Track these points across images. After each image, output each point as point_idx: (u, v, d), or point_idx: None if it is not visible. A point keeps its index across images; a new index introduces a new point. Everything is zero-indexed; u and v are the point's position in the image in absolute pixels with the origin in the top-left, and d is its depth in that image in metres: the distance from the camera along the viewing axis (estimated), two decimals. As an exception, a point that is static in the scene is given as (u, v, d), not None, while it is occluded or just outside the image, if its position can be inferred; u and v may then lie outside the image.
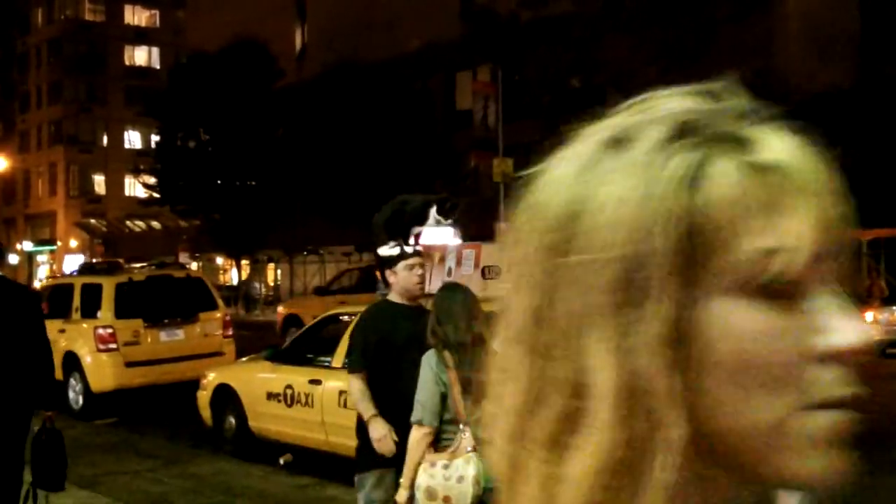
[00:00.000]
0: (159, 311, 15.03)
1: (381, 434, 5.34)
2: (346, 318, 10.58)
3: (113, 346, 14.50)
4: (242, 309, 45.81)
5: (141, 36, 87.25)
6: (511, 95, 36.12)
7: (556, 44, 29.67)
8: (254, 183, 44.73)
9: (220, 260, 57.76)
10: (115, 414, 14.56)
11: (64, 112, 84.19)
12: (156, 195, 48.36)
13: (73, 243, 79.80)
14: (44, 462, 7.17)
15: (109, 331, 14.50)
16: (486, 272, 9.43)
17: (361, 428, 5.51)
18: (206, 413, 11.59)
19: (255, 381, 10.85)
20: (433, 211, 6.21)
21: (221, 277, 57.80)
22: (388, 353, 5.55)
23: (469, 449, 4.65)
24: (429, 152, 38.70)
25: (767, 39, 27.84)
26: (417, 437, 4.75)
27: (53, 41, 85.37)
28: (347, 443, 8.36)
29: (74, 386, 14.90)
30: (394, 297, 5.80)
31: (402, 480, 4.82)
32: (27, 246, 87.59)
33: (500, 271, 9.61)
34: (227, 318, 16.08)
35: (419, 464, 4.70)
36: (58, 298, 16.00)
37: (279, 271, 52.40)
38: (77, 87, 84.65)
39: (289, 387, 9.99)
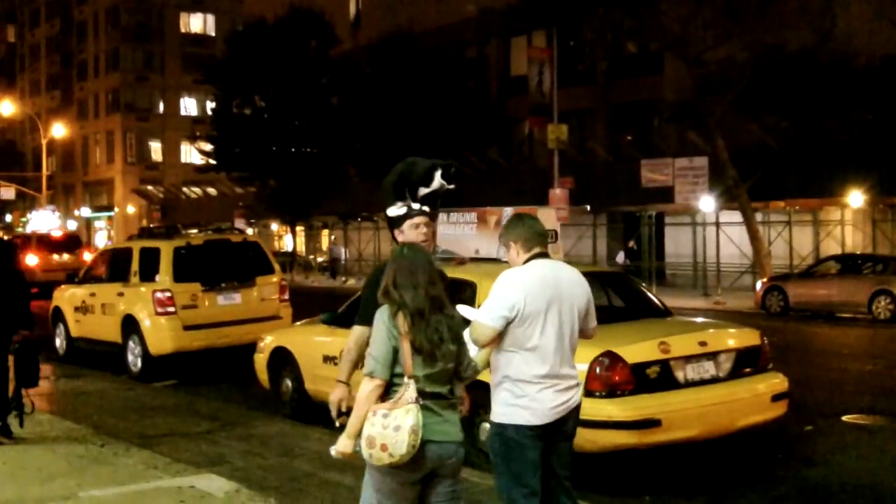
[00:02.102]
0: (217, 275, 15.13)
1: (337, 397, 5.64)
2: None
3: (171, 309, 14.63)
4: (301, 274, 45.94)
5: (197, 3, 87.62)
6: (566, 61, 35.82)
7: (613, 8, 29.31)
8: (309, 150, 44.90)
9: (275, 226, 58.14)
10: (174, 376, 14.74)
11: (121, 80, 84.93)
12: (212, 162, 48.70)
13: (131, 210, 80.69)
14: (22, 366, 9.74)
15: (168, 294, 14.63)
16: (542, 236, 9.40)
17: None
18: (263, 376, 11.68)
19: (312, 344, 10.90)
20: (438, 174, 6.26)
21: (276, 243, 58.21)
22: None
23: (410, 400, 4.76)
24: (482, 118, 38.54)
25: (829, 1, 27.28)
26: (368, 389, 4.85)
27: (111, 9, 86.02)
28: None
29: (133, 349, 15.06)
30: None
31: (347, 430, 4.91)
32: (85, 212, 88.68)
33: (556, 235, 9.59)
34: (284, 282, 16.15)
35: (367, 415, 4.82)
36: (117, 263, 16.21)
37: (333, 237, 52.59)
38: (134, 55, 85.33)
39: (345, 350, 10.02)
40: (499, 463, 5.44)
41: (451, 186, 6.40)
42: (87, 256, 33.56)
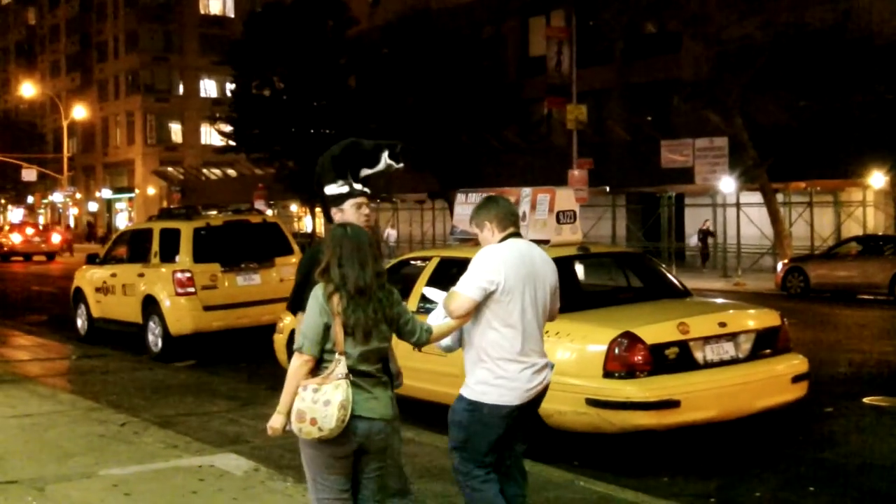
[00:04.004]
0: (236, 256, 15.18)
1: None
2: (418, 262, 10.64)
3: (191, 290, 14.69)
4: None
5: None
6: (585, 41, 35.65)
7: (632, -13, 29.18)
8: (327, 130, 44.87)
9: (294, 207, 58.21)
10: (194, 356, 14.81)
11: (140, 61, 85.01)
12: (231, 143, 48.76)
13: (151, 191, 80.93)
14: None
15: (188, 275, 14.69)
16: (561, 217, 9.39)
17: None
18: (282, 356, 11.71)
19: (330, 324, 10.94)
20: (385, 154, 6.25)
21: (296, 224, 58.29)
22: None
23: (340, 376, 4.83)
24: (500, 99, 38.43)
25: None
26: (297, 364, 4.93)
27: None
28: (415, 385, 8.44)
29: (154, 329, 15.13)
30: None
31: (279, 406, 4.98)
32: (106, 193, 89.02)
33: (575, 216, 9.56)
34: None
35: (297, 390, 4.89)
36: (137, 243, 16.27)
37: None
38: (153, 36, 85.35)
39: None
40: (460, 438, 5.45)
41: (400, 165, 6.39)
42: (56, 237, 54.84)
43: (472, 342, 5.42)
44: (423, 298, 8.86)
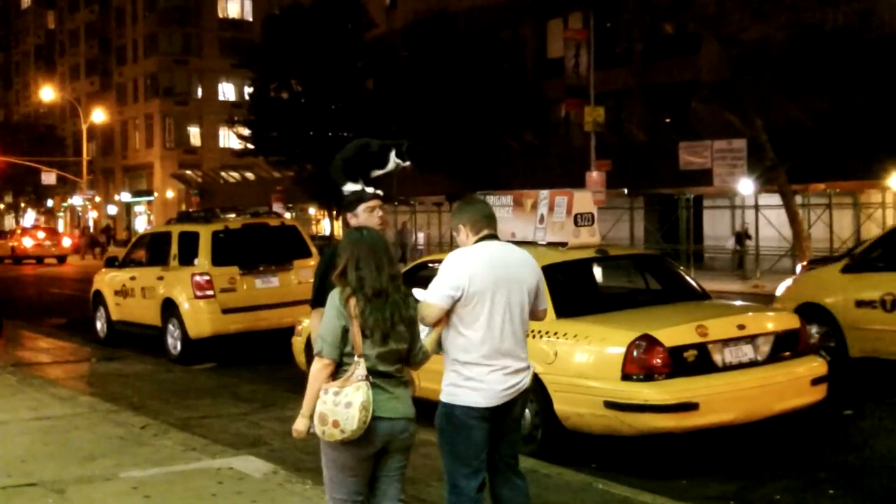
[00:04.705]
0: (255, 259, 15.21)
1: None
2: (436, 265, 10.62)
3: (210, 292, 14.73)
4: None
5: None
6: (603, 43, 35.59)
7: (650, -12, 29.09)
8: (345, 133, 44.92)
9: (312, 210, 58.29)
10: (213, 359, 14.85)
11: (159, 65, 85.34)
12: (250, 146, 48.84)
13: (170, 194, 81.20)
14: None
15: (206, 278, 14.73)
16: (579, 219, 9.38)
17: None
18: (301, 358, 11.73)
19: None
20: (393, 154, 6.26)
21: (314, 227, 58.37)
22: None
23: (360, 378, 4.87)
24: (518, 101, 38.39)
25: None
26: (317, 368, 5.00)
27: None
28: (432, 386, 8.42)
29: (173, 332, 15.17)
30: None
31: (302, 409, 5.05)
32: (125, 197, 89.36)
33: (593, 218, 9.54)
34: (321, 265, 16.19)
35: (318, 393, 4.95)
36: (156, 246, 16.33)
37: (403, 221, 52.43)
38: (172, 39, 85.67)
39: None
40: (443, 442, 5.48)
41: (407, 164, 6.39)
42: (67, 241, 57.44)
43: (444, 346, 5.46)
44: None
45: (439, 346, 5.51)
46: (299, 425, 5.07)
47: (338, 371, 4.98)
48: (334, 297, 5.02)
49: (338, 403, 4.84)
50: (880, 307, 11.15)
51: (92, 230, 63.48)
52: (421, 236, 47.01)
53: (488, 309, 5.33)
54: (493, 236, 5.58)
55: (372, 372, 4.92)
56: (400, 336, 5.03)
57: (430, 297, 5.36)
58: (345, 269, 5.01)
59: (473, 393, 5.32)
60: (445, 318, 5.38)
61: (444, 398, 5.44)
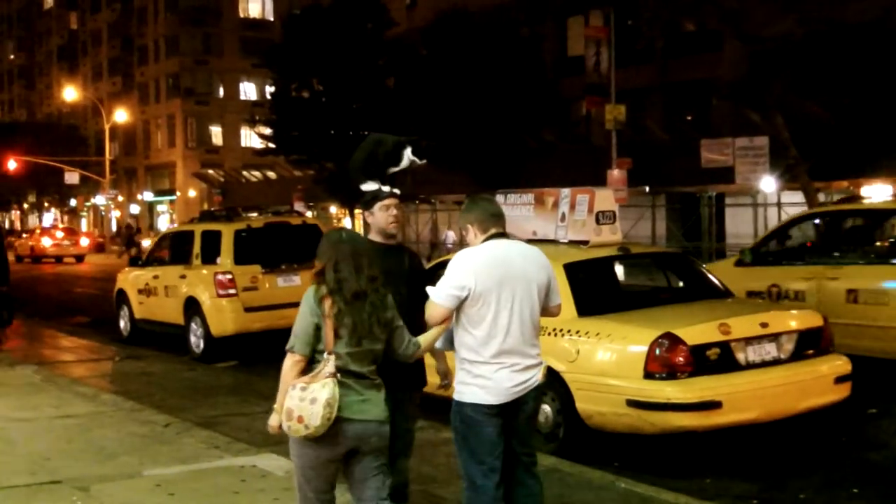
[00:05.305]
0: (277, 258, 15.25)
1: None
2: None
3: (232, 291, 14.78)
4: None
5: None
6: (624, 40, 35.48)
7: (670, -14, 28.95)
8: (366, 132, 44.90)
9: (333, 209, 58.34)
10: (235, 357, 14.89)
11: (180, 64, 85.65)
12: (271, 145, 48.93)
13: (192, 193, 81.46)
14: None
15: (229, 276, 14.78)
16: (600, 217, 9.36)
17: None
18: (321, 357, 11.77)
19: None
20: (408, 151, 6.27)
21: (335, 226, 58.45)
22: None
23: (328, 374, 4.91)
24: (538, 99, 38.32)
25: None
26: (288, 364, 5.08)
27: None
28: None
29: (196, 330, 15.23)
30: (372, 236, 6.08)
31: (276, 405, 5.11)
32: (147, 196, 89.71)
33: (614, 216, 9.52)
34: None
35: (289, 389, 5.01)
36: (179, 245, 16.39)
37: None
38: (193, 39, 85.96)
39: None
40: (458, 440, 5.50)
41: (423, 162, 6.40)
42: (85, 241, 58.24)
43: (455, 344, 5.50)
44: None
45: (450, 344, 5.54)
46: (272, 420, 5.14)
47: (309, 368, 5.02)
48: (309, 294, 5.09)
49: (303, 399, 4.89)
50: (767, 297, 11.97)
51: (131, 229, 63.28)
52: (451, 235, 46.96)
53: (495, 307, 5.34)
54: (502, 234, 5.58)
55: (343, 371, 4.96)
56: (375, 337, 5.08)
57: (434, 297, 5.40)
58: (323, 270, 5.08)
59: (481, 390, 5.35)
60: (454, 317, 5.41)
61: (455, 396, 5.48)
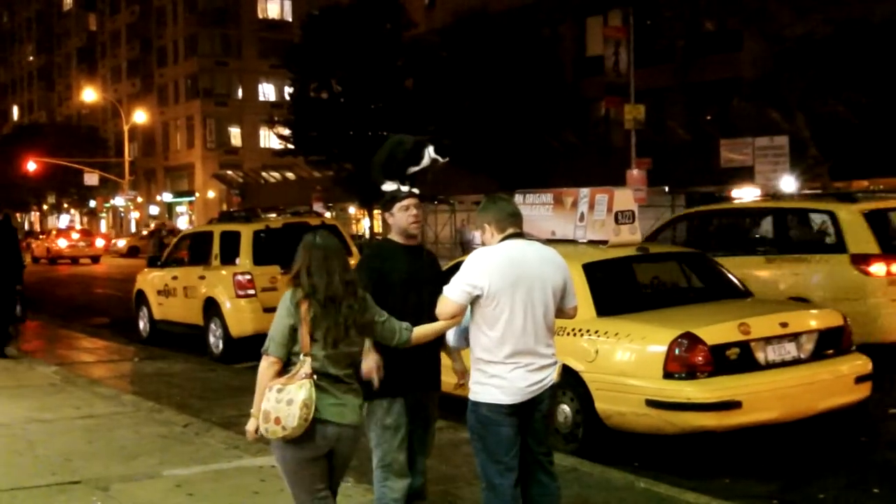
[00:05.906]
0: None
1: (368, 367, 5.58)
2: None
3: (251, 292, 14.80)
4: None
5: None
6: (643, 40, 35.40)
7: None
8: (385, 133, 45.01)
9: (352, 209, 58.45)
10: (255, 358, 14.87)
11: (199, 66, 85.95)
12: (290, 146, 49.05)
13: (211, 194, 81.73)
14: (16, 307, 15.01)
15: (248, 277, 14.81)
16: (620, 217, 9.34)
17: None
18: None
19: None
20: (430, 150, 6.27)
21: (354, 227, 58.55)
22: (386, 291, 5.77)
23: (304, 376, 4.92)
24: (558, 99, 38.29)
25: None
26: (264, 366, 5.08)
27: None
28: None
29: (215, 331, 15.27)
30: (393, 236, 6.11)
31: (251, 410, 5.11)
32: (166, 197, 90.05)
33: (634, 216, 9.50)
34: (360, 264, 16.24)
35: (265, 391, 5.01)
36: (198, 246, 16.43)
37: (462, 220, 52.39)
38: (212, 40, 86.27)
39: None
40: (475, 440, 5.50)
41: (446, 160, 6.39)
42: (100, 242, 59.64)
43: (470, 345, 5.52)
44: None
45: (465, 342, 5.56)
46: (249, 426, 5.14)
47: (285, 370, 5.03)
48: (286, 297, 5.11)
49: (280, 400, 4.89)
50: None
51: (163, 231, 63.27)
52: (477, 235, 46.92)
53: (509, 308, 5.34)
54: (519, 235, 5.58)
55: (320, 373, 4.97)
56: (351, 340, 5.10)
57: (447, 292, 5.41)
58: (298, 273, 5.10)
59: (497, 390, 5.36)
60: (470, 316, 5.43)
61: (471, 396, 5.50)
